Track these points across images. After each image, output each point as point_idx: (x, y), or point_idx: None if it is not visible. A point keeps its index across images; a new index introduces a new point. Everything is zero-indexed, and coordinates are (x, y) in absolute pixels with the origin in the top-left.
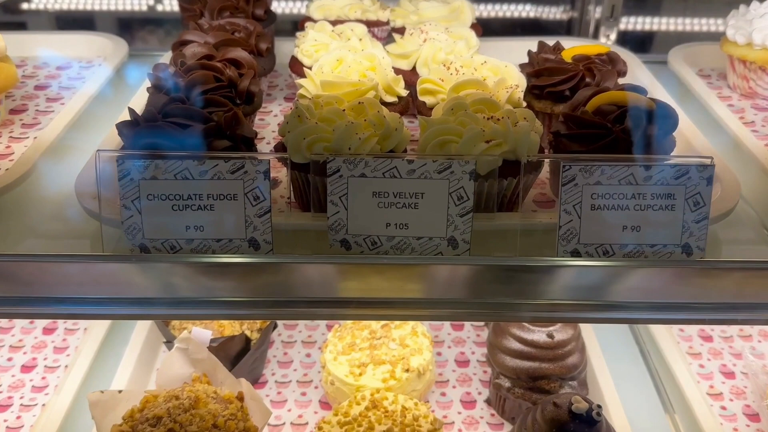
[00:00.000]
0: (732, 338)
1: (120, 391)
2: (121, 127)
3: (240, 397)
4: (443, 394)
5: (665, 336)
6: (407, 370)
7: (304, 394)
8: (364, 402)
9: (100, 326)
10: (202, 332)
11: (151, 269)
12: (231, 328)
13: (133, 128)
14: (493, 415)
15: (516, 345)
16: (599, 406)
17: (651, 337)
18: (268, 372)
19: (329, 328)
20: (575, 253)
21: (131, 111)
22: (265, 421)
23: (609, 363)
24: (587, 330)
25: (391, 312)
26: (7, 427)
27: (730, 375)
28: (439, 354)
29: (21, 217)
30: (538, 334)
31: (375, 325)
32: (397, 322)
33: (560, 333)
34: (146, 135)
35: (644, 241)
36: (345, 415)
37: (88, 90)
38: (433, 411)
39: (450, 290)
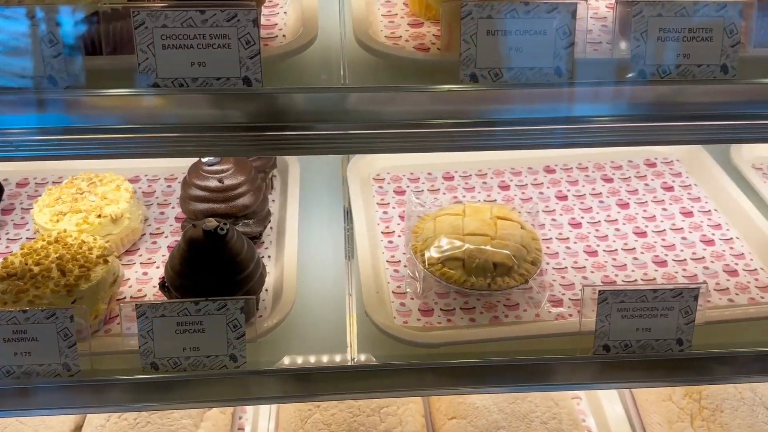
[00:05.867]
0: None
1: None
2: None
3: None
4: (154, 243)
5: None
6: (99, 216)
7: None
8: (49, 238)
9: None
10: None
11: None
12: None
13: None
14: None
15: (195, 191)
16: (226, 224)
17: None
18: None
19: None
20: None
21: None
22: None
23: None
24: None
25: None
26: None
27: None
28: (162, 213)
29: None
30: (211, 181)
31: (83, 184)
32: (105, 181)
33: (230, 179)
34: None
35: None
36: (30, 249)
37: None
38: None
39: None
